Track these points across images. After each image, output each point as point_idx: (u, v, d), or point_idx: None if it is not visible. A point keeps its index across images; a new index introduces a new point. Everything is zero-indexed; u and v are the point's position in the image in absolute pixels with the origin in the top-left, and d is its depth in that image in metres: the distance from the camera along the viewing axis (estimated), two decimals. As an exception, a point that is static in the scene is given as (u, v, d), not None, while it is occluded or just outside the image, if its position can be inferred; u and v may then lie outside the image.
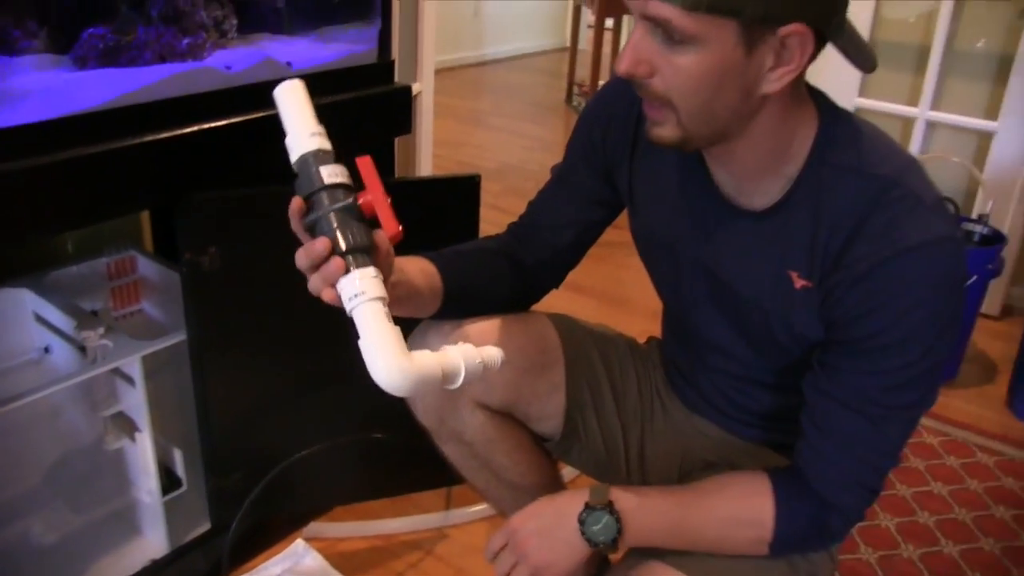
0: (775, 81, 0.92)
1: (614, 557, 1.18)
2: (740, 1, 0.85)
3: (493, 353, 0.96)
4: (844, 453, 1.03)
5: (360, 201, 0.89)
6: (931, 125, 2.75)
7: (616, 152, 1.21)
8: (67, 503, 1.65)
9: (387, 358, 0.84)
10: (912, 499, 1.98)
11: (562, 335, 1.32)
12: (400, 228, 0.90)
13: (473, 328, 1.22)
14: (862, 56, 0.97)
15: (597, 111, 1.23)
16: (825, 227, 0.99)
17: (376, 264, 0.90)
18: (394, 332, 0.86)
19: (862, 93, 2.86)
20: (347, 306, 0.87)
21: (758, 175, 1.03)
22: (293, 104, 0.95)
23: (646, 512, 1.09)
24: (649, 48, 0.91)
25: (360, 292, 0.86)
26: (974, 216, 2.41)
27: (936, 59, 2.67)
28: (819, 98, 1.03)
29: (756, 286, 1.08)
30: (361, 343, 0.85)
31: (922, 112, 2.73)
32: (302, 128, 0.93)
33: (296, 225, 0.92)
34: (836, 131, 1.01)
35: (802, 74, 0.95)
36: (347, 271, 0.87)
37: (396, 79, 1.70)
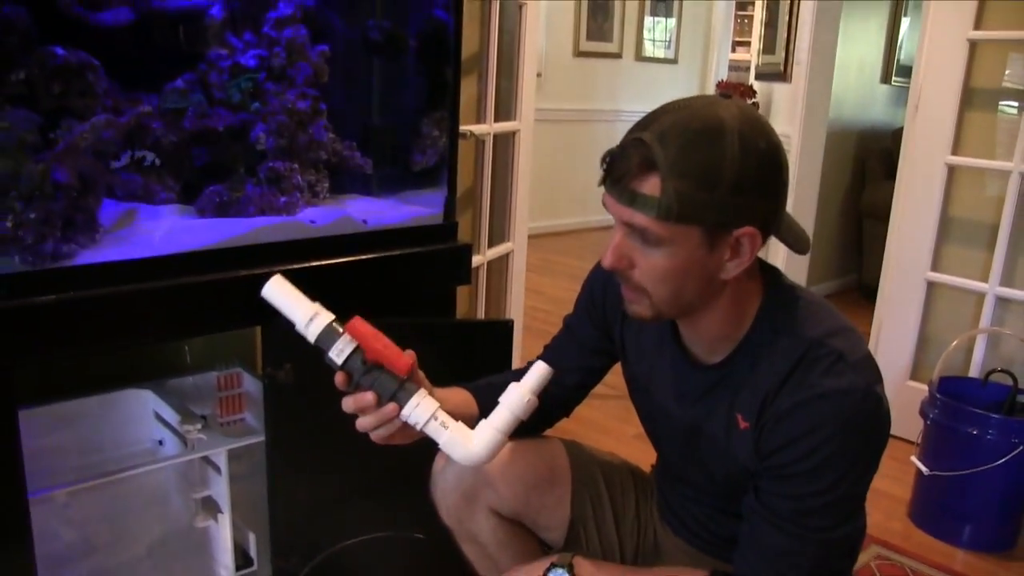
0: (732, 270, 1.15)
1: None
2: (701, 212, 1.08)
3: (536, 379, 1.16)
4: (762, 562, 1.20)
5: (370, 357, 1.12)
6: (1001, 300, 2.85)
7: (613, 312, 1.44)
8: (162, 573, 1.95)
9: (459, 454, 1.15)
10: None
11: (571, 457, 1.55)
12: (409, 360, 1.13)
13: None
14: (799, 242, 1.20)
15: (599, 276, 1.47)
16: (762, 378, 1.20)
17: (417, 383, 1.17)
18: (456, 430, 1.15)
19: (934, 267, 2.97)
20: (417, 427, 1.15)
21: (717, 339, 1.25)
22: (285, 297, 1.13)
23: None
24: (629, 247, 1.14)
25: (419, 419, 1.14)
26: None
27: (1004, 237, 2.78)
28: (767, 273, 1.26)
29: (710, 427, 1.28)
30: (440, 448, 1.15)
31: (991, 288, 2.83)
32: (302, 316, 1.12)
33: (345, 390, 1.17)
34: (776, 301, 1.23)
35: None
36: (401, 407, 1.13)
37: (484, 238, 1.95)
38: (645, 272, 1.14)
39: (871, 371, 1.16)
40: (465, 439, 1.15)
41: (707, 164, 1.05)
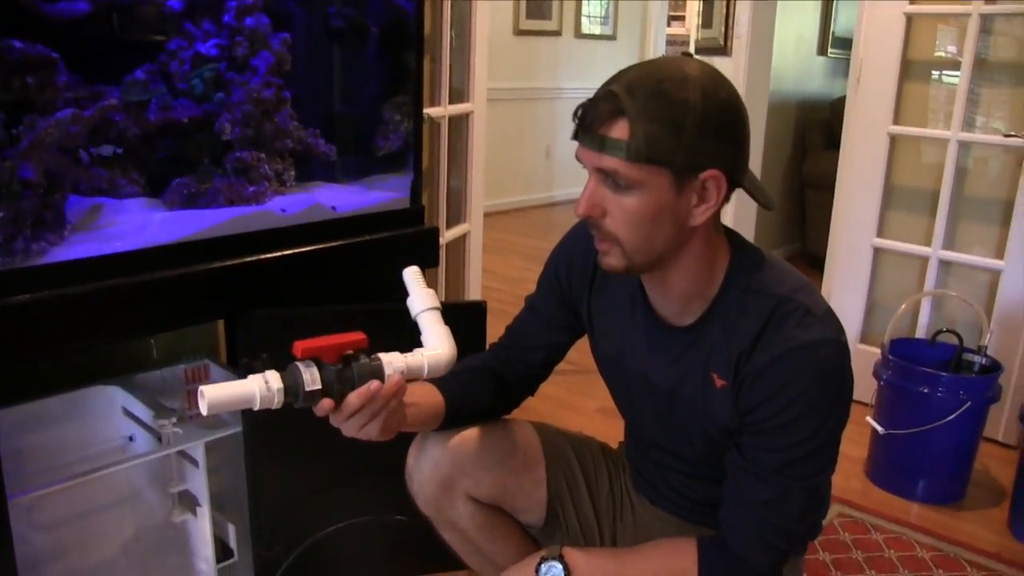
0: (699, 216, 1.19)
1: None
2: (670, 154, 1.12)
3: (415, 281, 1.36)
4: (751, 514, 1.25)
5: (341, 356, 1.14)
6: (944, 264, 2.95)
7: (578, 289, 1.47)
8: (139, 570, 1.94)
9: (442, 366, 1.29)
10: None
11: (543, 438, 1.57)
12: (362, 334, 1.17)
13: (466, 436, 1.48)
14: (764, 196, 1.25)
15: (562, 254, 1.50)
16: (736, 337, 1.25)
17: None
18: (424, 355, 1.27)
19: (880, 234, 3.07)
20: (404, 369, 1.21)
21: (687, 299, 1.29)
22: (226, 391, 1.07)
23: (591, 562, 1.34)
24: (601, 194, 1.18)
25: (400, 368, 1.20)
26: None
27: (945, 203, 2.88)
28: (731, 234, 1.31)
29: (687, 388, 1.32)
30: (426, 378, 1.28)
31: (934, 252, 2.93)
32: (257, 389, 1.08)
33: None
34: (743, 261, 1.28)
35: (719, 212, 1.22)
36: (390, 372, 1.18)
37: (443, 220, 1.96)
38: (617, 218, 1.18)
39: (836, 322, 1.23)
40: (433, 356, 1.27)
41: (672, 108, 1.11)
